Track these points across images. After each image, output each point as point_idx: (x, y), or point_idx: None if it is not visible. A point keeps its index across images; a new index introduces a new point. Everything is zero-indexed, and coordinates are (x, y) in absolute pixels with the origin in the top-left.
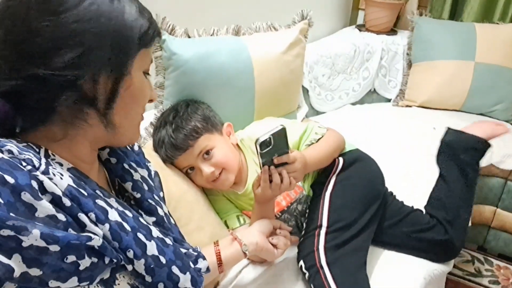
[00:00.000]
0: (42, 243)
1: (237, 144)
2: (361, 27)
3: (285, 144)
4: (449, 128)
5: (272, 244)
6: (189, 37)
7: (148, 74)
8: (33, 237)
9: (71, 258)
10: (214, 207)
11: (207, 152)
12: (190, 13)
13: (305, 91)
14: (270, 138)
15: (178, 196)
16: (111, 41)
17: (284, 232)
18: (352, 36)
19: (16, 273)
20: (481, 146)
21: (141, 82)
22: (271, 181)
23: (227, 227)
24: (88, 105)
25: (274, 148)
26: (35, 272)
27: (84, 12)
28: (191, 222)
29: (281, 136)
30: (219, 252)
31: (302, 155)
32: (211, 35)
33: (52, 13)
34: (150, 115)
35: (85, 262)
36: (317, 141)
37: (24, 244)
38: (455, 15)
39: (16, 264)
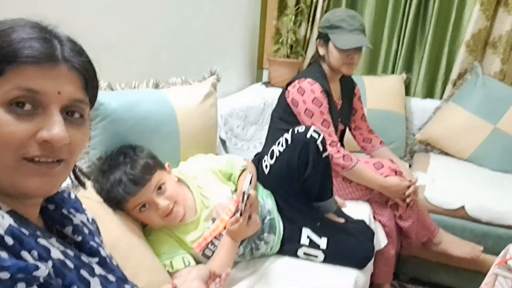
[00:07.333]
0: None
1: (178, 179)
2: (267, 84)
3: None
4: None
5: None
6: (112, 89)
7: (20, 104)
8: None
9: (21, 285)
10: (158, 250)
11: (160, 187)
12: (111, 69)
13: (223, 142)
14: (248, 187)
15: (111, 244)
16: None
17: (224, 276)
18: (260, 91)
19: None
20: None
21: None
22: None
23: (172, 267)
24: None
25: (247, 194)
26: None
27: None
28: (125, 269)
29: (250, 183)
30: None
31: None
32: (133, 88)
33: None
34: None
35: None
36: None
37: None
38: None
39: None
